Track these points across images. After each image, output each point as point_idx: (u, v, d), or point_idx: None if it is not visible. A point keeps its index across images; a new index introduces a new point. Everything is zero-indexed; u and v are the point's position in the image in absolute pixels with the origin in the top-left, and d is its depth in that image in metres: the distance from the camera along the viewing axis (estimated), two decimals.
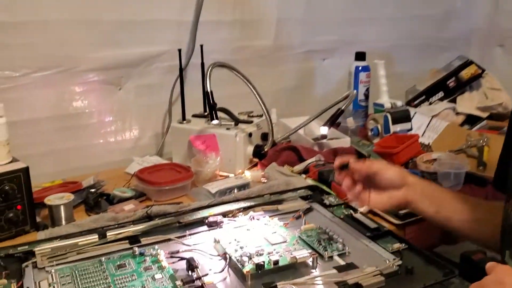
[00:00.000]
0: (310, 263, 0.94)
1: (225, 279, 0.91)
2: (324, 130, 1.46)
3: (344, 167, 1.03)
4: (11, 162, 1.12)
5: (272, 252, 0.95)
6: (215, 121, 1.32)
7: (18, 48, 1.39)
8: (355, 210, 1.14)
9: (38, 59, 1.43)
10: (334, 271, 0.92)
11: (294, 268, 0.93)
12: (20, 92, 1.42)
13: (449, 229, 1.02)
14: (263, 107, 1.38)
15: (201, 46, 1.55)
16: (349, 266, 0.93)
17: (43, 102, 1.49)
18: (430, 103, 1.84)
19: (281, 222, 1.08)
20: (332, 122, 1.45)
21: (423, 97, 1.87)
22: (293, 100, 2.01)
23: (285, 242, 0.99)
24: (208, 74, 1.28)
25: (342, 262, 0.95)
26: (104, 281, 0.89)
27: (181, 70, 1.53)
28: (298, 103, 2.02)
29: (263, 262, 0.90)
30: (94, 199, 1.25)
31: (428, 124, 1.62)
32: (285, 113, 1.81)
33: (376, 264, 0.93)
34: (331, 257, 0.96)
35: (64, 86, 1.51)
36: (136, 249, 0.97)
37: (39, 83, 1.44)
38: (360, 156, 1.47)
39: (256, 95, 1.38)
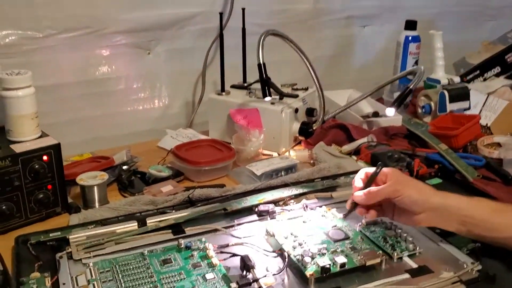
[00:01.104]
0: (378, 265, 0.83)
1: (283, 281, 0.81)
2: (390, 112, 1.33)
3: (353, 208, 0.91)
4: (40, 137, 1.01)
5: (336, 251, 0.85)
6: (268, 98, 1.19)
7: (43, 7, 1.28)
8: None
9: (64, 19, 1.32)
10: (407, 275, 0.81)
11: (361, 271, 0.82)
12: (44, 55, 1.32)
13: (487, 243, 0.88)
14: (316, 80, 1.23)
15: (243, 9, 1.41)
16: (423, 270, 0.83)
17: (68, 66, 1.39)
18: (485, 79, 1.69)
19: (339, 213, 0.97)
20: (400, 102, 1.31)
21: (477, 72, 1.72)
22: (330, 70, 1.87)
23: (348, 238, 0.89)
24: (261, 43, 1.14)
25: (414, 265, 0.84)
26: (149, 279, 0.79)
27: (221, 35, 1.39)
28: (336, 73, 1.89)
29: (329, 264, 0.79)
30: (127, 178, 1.14)
31: (485, 102, 1.48)
32: (322, 84, 1.67)
33: (452, 268, 0.82)
34: (400, 258, 0.86)
35: (91, 49, 1.41)
36: (182, 241, 0.87)
37: (64, 46, 1.34)
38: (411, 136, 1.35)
39: (309, 67, 1.24)
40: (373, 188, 0.88)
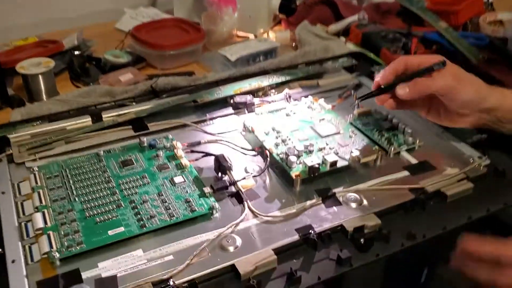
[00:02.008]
0: (372, 163, 0.72)
1: (264, 182, 0.70)
2: None
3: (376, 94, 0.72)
4: None
5: (324, 148, 0.73)
6: None
7: None
8: None
9: None
10: (406, 173, 0.71)
11: (353, 169, 0.71)
12: None
13: None
14: None
15: None
16: (424, 167, 0.72)
17: None
18: None
19: (328, 104, 0.84)
20: None
21: None
22: None
23: (338, 133, 0.77)
24: None
25: (413, 161, 0.74)
26: (106, 185, 0.67)
27: None
28: None
29: (318, 164, 0.68)
30: (80, 65, 0.98)
31: None
32: None
33: (457, 163, 0.72)
34: (397, 153, 0.75)
35: None
36: (144, 139, 0.74)
37: None
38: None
39: None
40: (421, 80, 0.69)
